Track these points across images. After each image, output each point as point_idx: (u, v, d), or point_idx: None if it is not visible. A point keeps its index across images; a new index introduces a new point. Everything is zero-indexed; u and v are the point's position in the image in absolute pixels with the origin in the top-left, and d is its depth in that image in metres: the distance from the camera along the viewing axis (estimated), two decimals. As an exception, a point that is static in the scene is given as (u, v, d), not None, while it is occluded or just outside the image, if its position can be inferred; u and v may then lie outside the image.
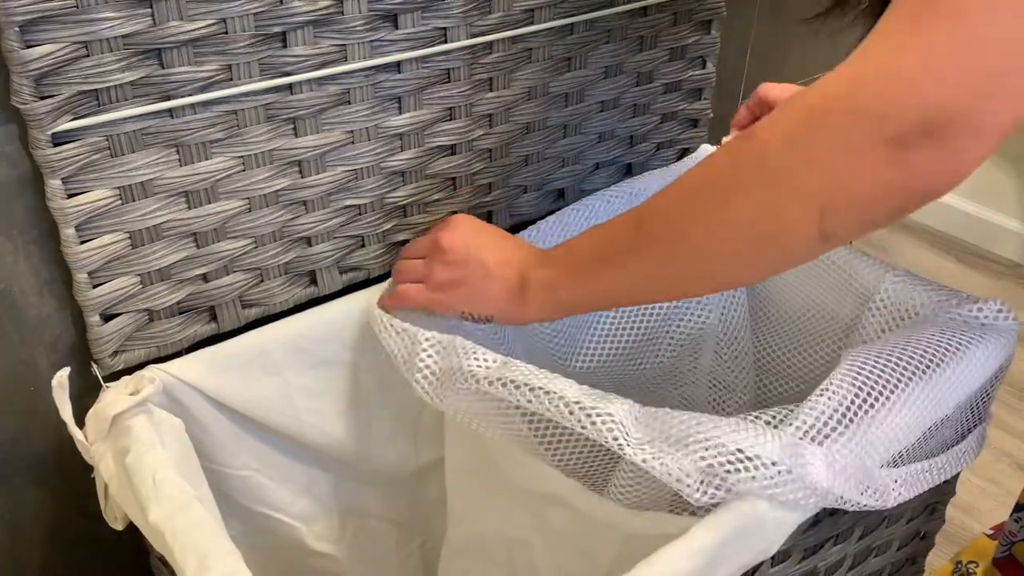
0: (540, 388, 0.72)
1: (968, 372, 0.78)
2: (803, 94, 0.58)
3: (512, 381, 0.73)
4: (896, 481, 0.74)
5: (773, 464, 0.65)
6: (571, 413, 0.70)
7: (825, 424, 0.69)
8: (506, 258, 0.80)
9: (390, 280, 0.90)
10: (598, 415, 0.69)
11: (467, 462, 0.91)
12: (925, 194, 0.55)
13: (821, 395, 0.71)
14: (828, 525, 0.78)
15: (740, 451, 0.65)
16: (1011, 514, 1.06)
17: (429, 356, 0.79)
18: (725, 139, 0.82)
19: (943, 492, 0.95)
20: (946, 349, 0.78)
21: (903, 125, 0.52)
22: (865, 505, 0.70)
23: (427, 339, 0.80)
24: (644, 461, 0.67)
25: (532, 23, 0.91)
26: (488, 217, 1.00)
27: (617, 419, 0.69)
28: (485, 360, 0.76)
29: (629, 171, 1.10)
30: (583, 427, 0.70)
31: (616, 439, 0.68)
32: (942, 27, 0.51)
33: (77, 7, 0.66)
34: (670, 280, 0.70)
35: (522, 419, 0.76)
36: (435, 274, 0.83)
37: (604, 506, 0.76)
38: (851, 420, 0.70)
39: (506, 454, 0.79)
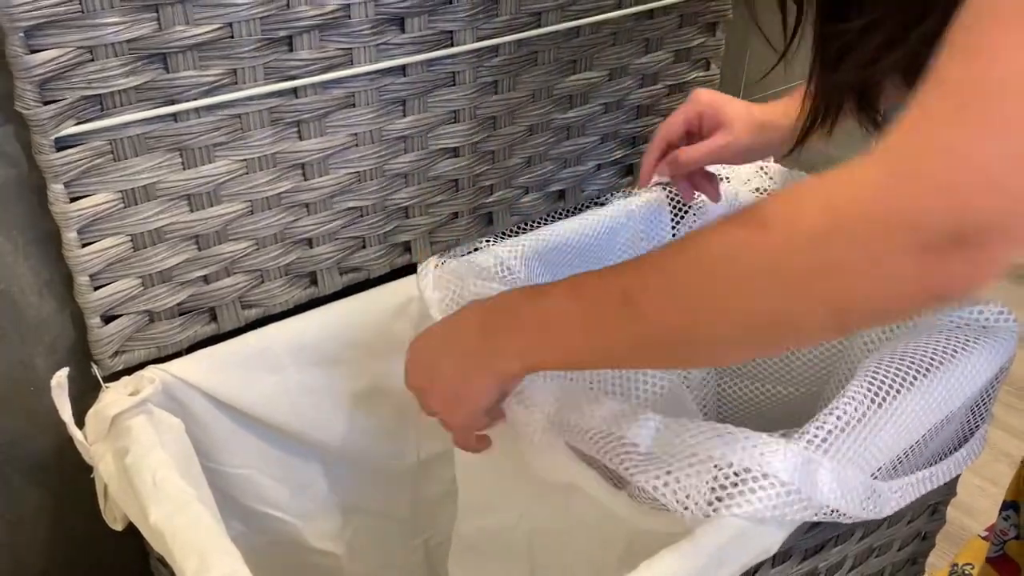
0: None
1: (969, 375, 0.79)
2: (823, 186, 0.53)
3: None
4: (896, 492, 0.74)
5: (782, 484, 0.65)
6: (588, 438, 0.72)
7: (835, 438, 0.69)
8: (465, 360, 0.73)
9: None
10: (609, 442, 0.70)
11: (479, 457, 0.91)
12: (950, 298, 0.52)
13: (832, 413, 0.71)
14: (829, 526, 0.78)
15: (747, 470, 0.66)
16: (1000, 512, 1.06)
17: None
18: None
19: (944, 493, 0.95)
20: (948, 353, 0.79)
21: (935, 234, 0.48)
22: (862, 517, 0.70)
23: None
24: (655, 488, 0.67)
25: (539, 26, 0.91)
26: (489, 218, 0.99)
27: (629, 440, 0.69)
28: None
29: (630, 172, 1.10)
30: (595, 451, 0.71)
31: (624, 465, 0.69)
32: (989, 134, 0.47)
33: (82, 12, 0.66)
34: (661, 358, 0.68)
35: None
36: (443, 417, 0.76)
37: (620, 500, 0.76)
38: (860, 434, 0.71)
39: (527, 444, 0.79)
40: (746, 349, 0.62)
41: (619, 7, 0.95)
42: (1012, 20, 0.47)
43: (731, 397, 1.14)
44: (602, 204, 1.07)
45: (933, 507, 0.96)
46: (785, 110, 0.88)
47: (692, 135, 0.94)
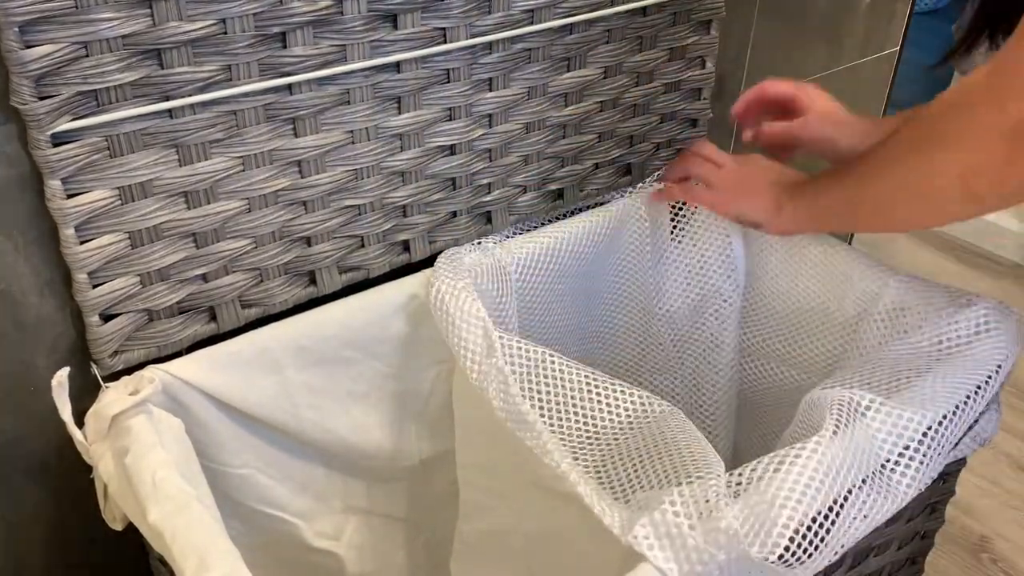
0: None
1: (968, 373, 0.79)
2: (951, 89, 0.74)
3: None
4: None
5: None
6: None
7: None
8: (774, 181, 0.98)
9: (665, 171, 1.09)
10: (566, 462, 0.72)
11: (482, 458, 0.91)
12: None
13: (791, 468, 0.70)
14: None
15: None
16: None
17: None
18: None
19: (942, 492, 0.95)
20: (945, 354, 0.79)
21: (1015, 120, 0.67)
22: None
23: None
24: (602, 511, 0.69)
25: (532, 23, 0.91)
26: (487, 217, 1.00)
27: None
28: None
29: (628, 171, 1.10)
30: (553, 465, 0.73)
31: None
32: None
33: (76, 7, 0.66)
34: (867, 212, 0.86)
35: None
36: (724, 182, 1.03)
37: (616, 513, 0.76)
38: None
39: (529, 452, 0.79)
40: (909, 211, 0.82)
41: (611, 4, 0.96)
42: None
43: (753, 376, 1.14)
44: (602, 204, 1.07)
45: (932, 506, 0.96)
46: (867, 127, 1.00)
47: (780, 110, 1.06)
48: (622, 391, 0.79)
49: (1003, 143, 0.68)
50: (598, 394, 0.79)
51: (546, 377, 0.80)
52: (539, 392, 0.80)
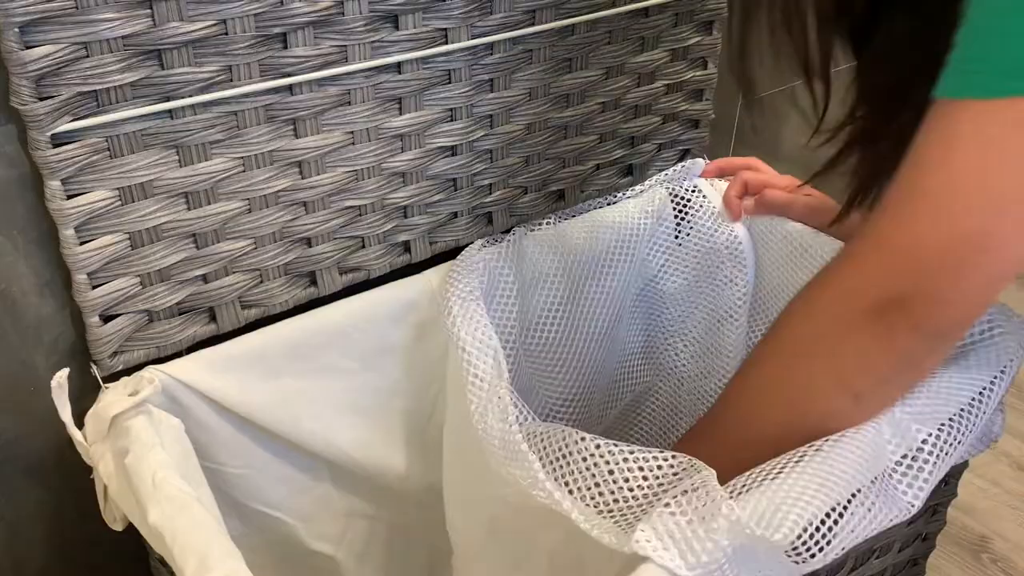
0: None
1: (973, 377, 0.79)
2: (806, 290, 0.70)
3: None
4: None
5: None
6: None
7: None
8: None
9: None
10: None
11: (467, 476, 0.90)
12: (910, 358, 0.67)
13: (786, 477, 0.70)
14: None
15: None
16: None
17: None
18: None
19: (944, 494, 0.95)
20: (951, 357, 0.78)
21: (878, 301, 0.63)
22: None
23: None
24: (600, 533, 0.69)
25: (533, 24, 0.91)
26: (488, 218, 1.00)
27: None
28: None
29: (630, 172, 1.10)
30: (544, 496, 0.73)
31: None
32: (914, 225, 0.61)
33: (77, 8, 0.66)
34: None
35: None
36: None
37: (606, 527, 0.76)
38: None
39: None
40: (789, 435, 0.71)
41: (613, 5, 0.96)
42: (957, 142, 0.59)
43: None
44: (604, 205, 1.07)
45: (933, 508, 0.95)
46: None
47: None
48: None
49: (869, 334, 0.65)
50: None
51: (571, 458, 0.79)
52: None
